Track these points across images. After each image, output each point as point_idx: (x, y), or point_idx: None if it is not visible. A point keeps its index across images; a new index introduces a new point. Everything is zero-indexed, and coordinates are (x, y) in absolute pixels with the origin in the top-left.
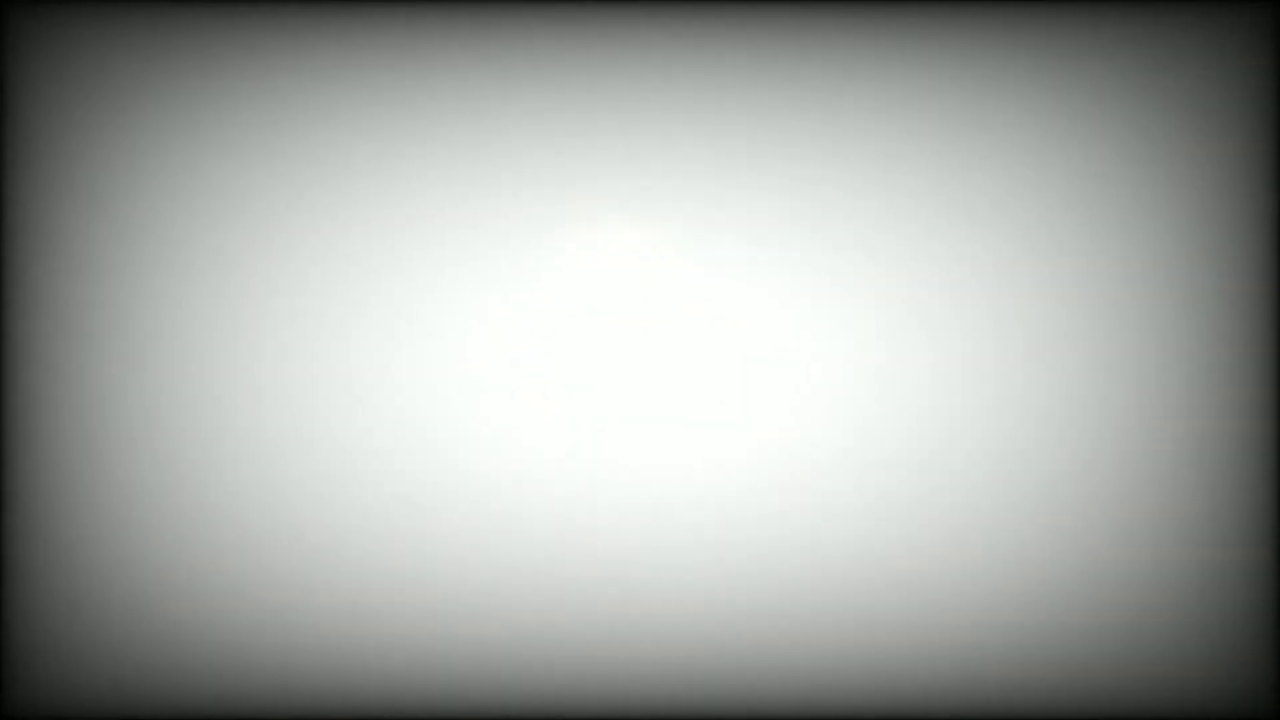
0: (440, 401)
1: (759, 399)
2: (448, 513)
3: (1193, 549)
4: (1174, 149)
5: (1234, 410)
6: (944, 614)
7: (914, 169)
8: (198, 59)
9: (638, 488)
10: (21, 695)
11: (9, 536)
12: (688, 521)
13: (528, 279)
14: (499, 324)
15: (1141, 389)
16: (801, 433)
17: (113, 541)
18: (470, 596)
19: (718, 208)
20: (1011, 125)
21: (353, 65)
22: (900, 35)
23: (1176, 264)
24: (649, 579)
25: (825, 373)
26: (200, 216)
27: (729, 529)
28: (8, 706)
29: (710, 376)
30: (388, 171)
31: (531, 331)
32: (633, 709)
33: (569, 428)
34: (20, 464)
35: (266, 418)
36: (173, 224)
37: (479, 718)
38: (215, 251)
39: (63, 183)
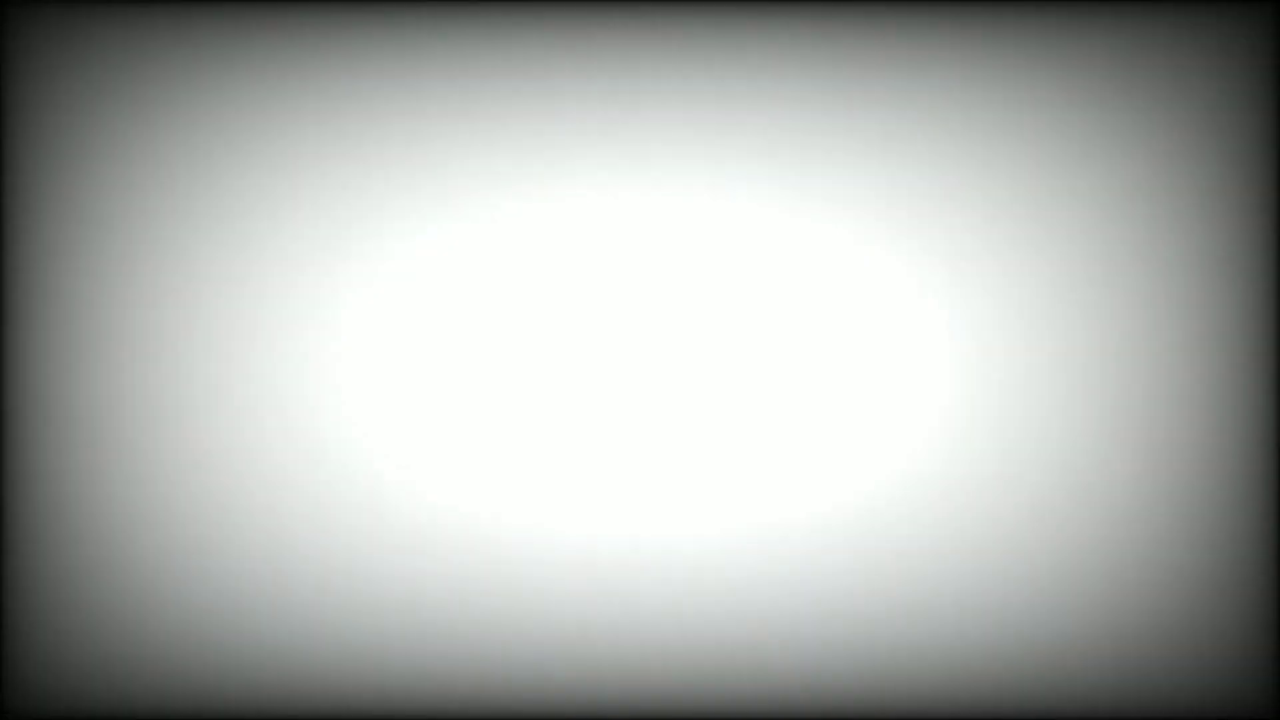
0: (438, 401)
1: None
2: (448, 517)
3: (1193, 548)
4: (1173, 148)
5: (1234, 410)
6: (941, 612)
7: (908, 169)
8: (198, 59)
9: (637, 511)
10: (21, 695)
11: (9, 536)
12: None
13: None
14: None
15: (1141, 388)
16: (798, 435)
17: (113, 541)
18: (473, 595)
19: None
20: (1007, 124)
21: (355, 64)
22: (897, 35)
23: (1175, 264)
24: (655, 599)
25: (820, 375)
26: (200, 216)
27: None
28: (8, 706)
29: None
30: (392, 166)
31: (527, 323)
32: None
33: (560, 437)
34: (20, 464)
35: (270, 418)
36: (173, 224)
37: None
38: (216, 252)
39: (63, 183)
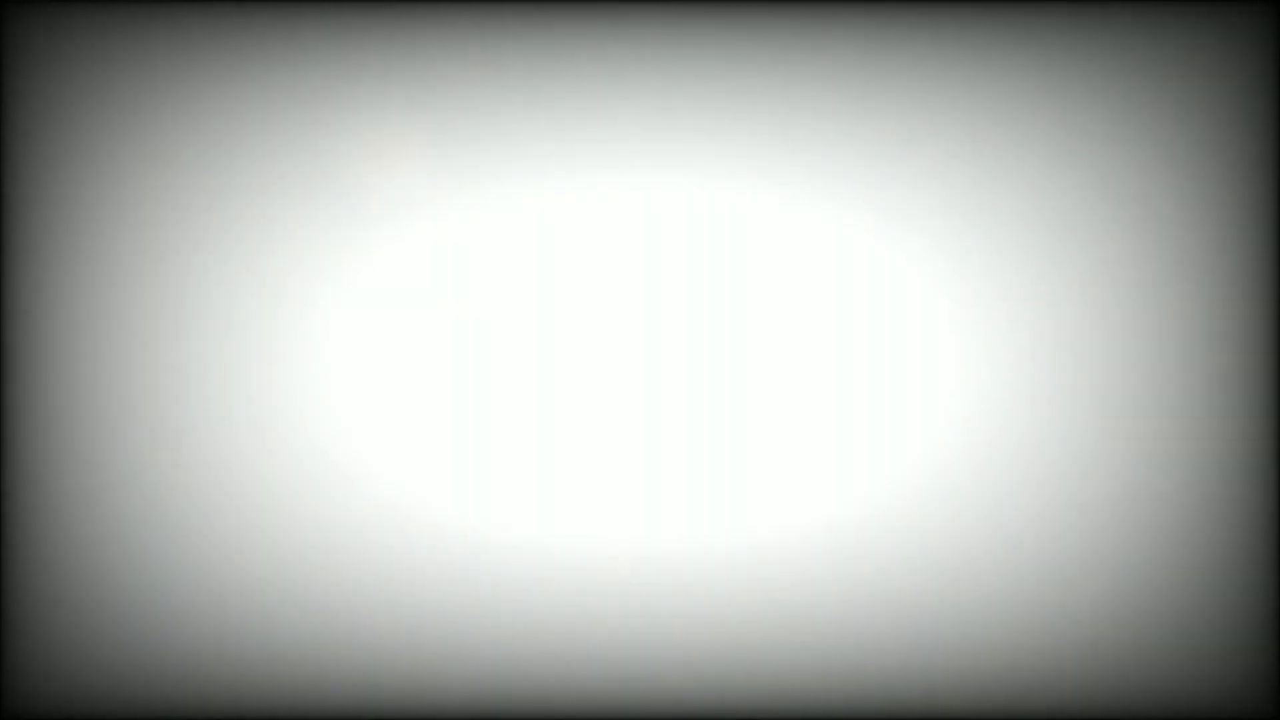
0: (431, 402)
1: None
2: (449, 518)
3: (1193, 548)
4: (1174, 149)
5: (1234, 410)
6: (941, 612)
7: (907, 172)
8: (198, 59)
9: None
10: (21, 695)
11: (9, 537)
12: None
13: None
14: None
15: (1140, 389)
16: (792, 434)
17: (113, 543)
18: (473, 595)
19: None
20: (1009, 125)
21: (353, 64)
22: (896, 34)
23: (1176, 264)
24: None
25: (820, 376)
26: (199, 216)
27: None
28: (8, 706)
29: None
30: (392, 166)
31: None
32: None
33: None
34: (20, 464)
35: (271, 420)
36: (172, 223)
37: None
38: (215, 251)
39: (63, 183)
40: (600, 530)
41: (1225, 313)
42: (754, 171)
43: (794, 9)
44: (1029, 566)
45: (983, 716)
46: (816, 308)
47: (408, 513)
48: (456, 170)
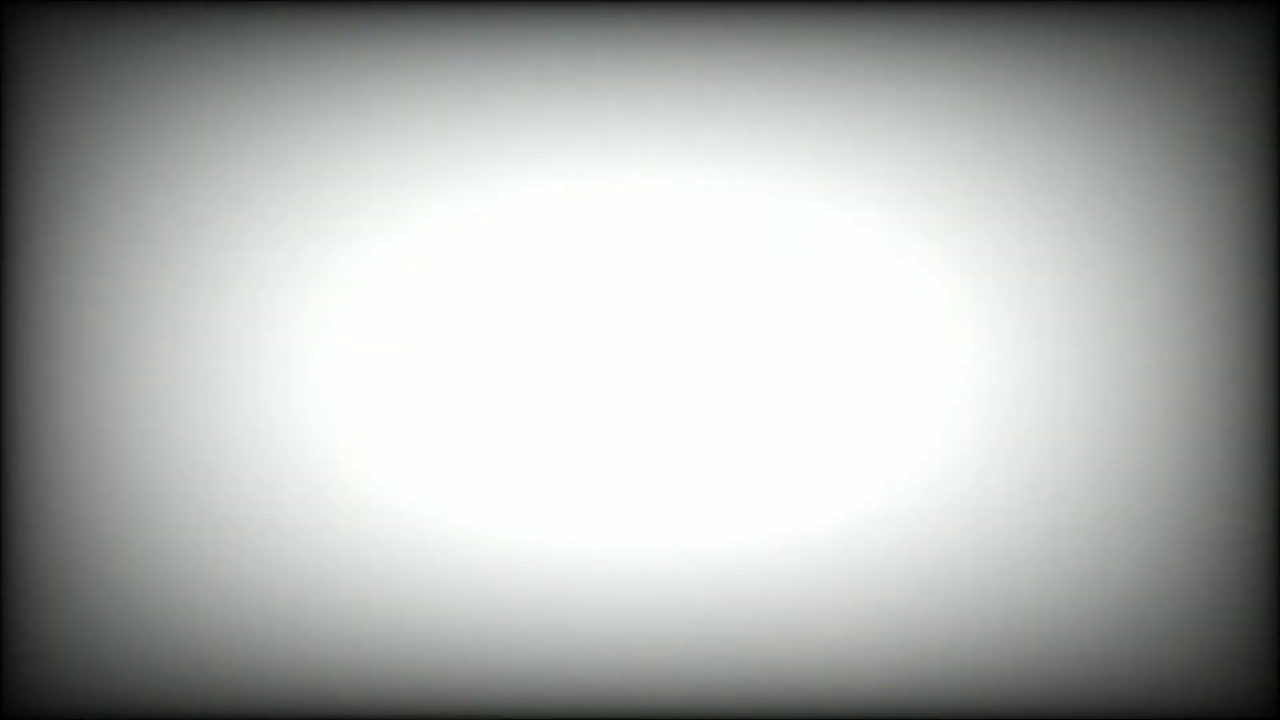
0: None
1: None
2: (445, 520)
3: (1193, 549)
4: (1173, 149)
5: (1234, 410)
6: (941, 612)
7: (907, 168)
8: (198, 59)
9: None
10: (21, 695)
11: (9, 537)
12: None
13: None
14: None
15: (1140, 389)
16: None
17: (112, 543)
18: (471, 598)
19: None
20: (1007, 125)
21: (353, 64)
22: (896, 34)
23: (1175, 264)
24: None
25: (822, 378)
26: (198, 216)
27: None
28: (8, 706)
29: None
30: (390, 165)
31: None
32: None
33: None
34: (20, 464)
35: (271, 420)
36: (172, 223)
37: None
38: (214, 251)
39: (63, 183)
40: (598, 535)
41: (1225, 312)
42: (755, 171)
43: (795, 5)
44: (1029, 567)
45: (983, 717)
46: (817, 308)
47: (407, 516)
48: (454, 169)
